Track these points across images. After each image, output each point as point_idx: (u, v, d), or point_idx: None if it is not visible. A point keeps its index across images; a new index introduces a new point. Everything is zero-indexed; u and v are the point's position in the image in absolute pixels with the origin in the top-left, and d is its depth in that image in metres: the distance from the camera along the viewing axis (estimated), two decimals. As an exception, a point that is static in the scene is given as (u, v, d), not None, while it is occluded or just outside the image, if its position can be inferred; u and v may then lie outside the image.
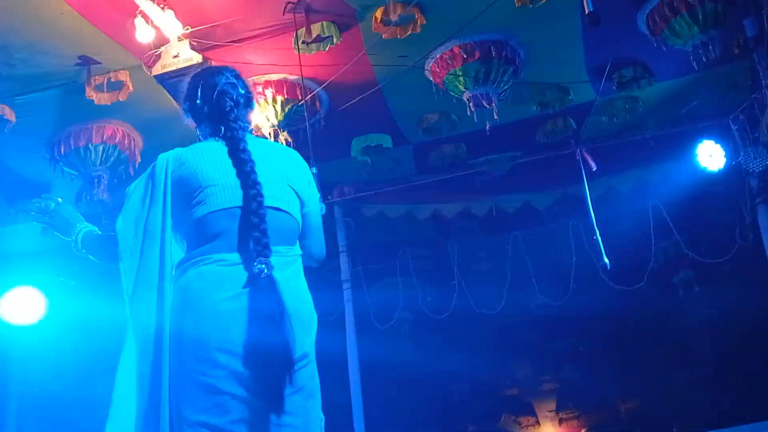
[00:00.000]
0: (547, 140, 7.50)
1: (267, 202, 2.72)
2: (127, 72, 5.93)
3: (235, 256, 2.65)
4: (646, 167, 7.99)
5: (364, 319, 8.94)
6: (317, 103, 6.67)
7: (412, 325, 9.93)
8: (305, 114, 6.48)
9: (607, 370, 12.00)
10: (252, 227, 2.65)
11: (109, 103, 6.03)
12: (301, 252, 2.86)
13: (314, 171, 6.05)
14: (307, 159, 6.21)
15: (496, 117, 6.47)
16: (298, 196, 2.87)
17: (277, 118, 6.42)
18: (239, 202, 2.71)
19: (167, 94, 6.04)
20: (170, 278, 2.72)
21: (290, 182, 2.86)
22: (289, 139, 6.53)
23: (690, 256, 8.71)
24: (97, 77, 5.89)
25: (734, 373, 11.79)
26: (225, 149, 2.82)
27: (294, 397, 2.62)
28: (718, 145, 7.49)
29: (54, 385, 9.11)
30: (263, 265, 2.58)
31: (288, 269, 2.73)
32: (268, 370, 2.53)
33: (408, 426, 13.73)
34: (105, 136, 6.51)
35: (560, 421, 15.43)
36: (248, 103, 3.02)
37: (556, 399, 14.75)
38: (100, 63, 5.83)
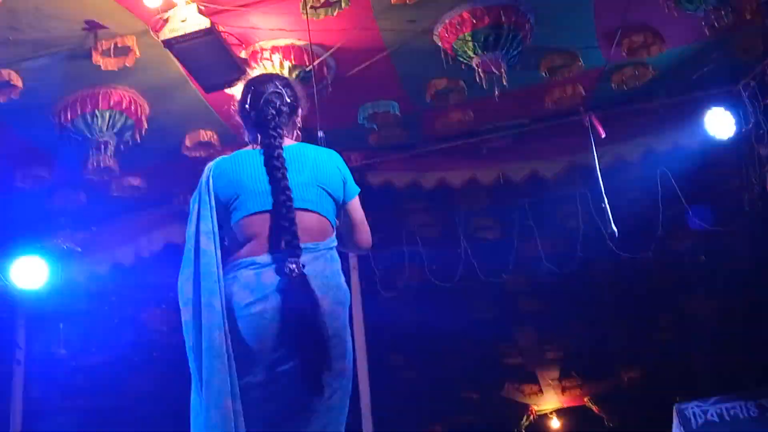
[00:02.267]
0: (555, 107, 7.44)
1: (297, 205, 3.01)
2: (134, 37, 5.87)
3: (267, 258, 2.94)
4: (655, 135, 7.92)
5: (370, 286, 8.95)
6: (324, 69, 6.61)
7: (418, 292, 9.94)
8: (312, 80, 6.44)
9: (611, 338, 12.05)
10: (283, 230, 2.93)
11: (116, 69, 5.98)
12: (333, 245, 3.14)
13: (322, 136, 6.07)
14: (314, 124, 6.22)
15: (504, 83, 6.42)
16: (332, 197, 3.16)
17: (283, 84, 6.37)
18: (269, 207, 3.01)
19: (174, 59, 5.99)
20: (220, 278, 2.98)
21: (322, 184, 3.14)
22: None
23: (697, 224, 8.70)
24: (103, 42, 5.83)
25: (739, 342, 11.81)
26: (262, 157, 3.12)
27: (342, 361, 2.97)
28: (728, 113, 7.45)
29: (60, 351, 9.17)
30: (294, 265, 2.86)
31: (317, 261, 3.00)
32: (306, 356, 2.81)
33: (412, 392, 13.81)
34: (112, 102, 6.46)
35: (563, 390, 15.56)
36: (294, 111, 3.32)
37: (560, 367, 14.85)
38: (106, 28, 5.78)
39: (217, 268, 2.97)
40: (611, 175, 7.75)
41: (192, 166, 7.45)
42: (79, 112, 6.48)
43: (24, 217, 8.03)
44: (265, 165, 3.09)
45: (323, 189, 3.14)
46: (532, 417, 16.28)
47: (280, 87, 3.28)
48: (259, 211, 3.03)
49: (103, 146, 6.67)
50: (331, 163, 3.25)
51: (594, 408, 15.69)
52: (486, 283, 9.55)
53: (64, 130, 6.62)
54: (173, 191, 8.04)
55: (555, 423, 16.55)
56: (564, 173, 8.34)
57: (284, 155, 3.11)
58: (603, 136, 7.36)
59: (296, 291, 2.85)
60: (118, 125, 6.60)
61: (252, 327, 2.89)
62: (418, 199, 8.92)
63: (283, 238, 2.93)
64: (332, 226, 3.18)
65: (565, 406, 16.17)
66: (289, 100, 3.28)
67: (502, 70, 6.32)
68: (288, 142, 3.23)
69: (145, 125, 6.75)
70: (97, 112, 6.50)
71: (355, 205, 3.32)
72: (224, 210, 3.10)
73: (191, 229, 3.09)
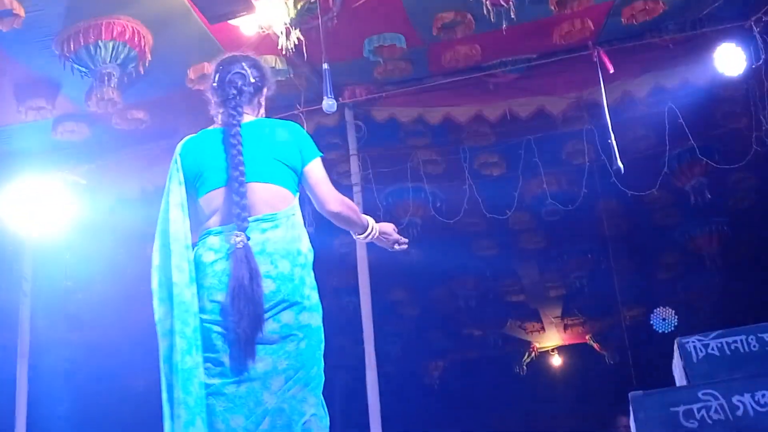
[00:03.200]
0: (564, 42, 7.34)
1: (253, 179, 3.29)
2: (137, -35, 5.80)
3: (228, 227, 3.26)
4: (664, 71, 7.83)
5: (374, 222, 8.92)
6: (330, 1, 6.51)
7: (422, 229, 9.93)
8: (318, 11, 6.36)
9: (614, 276, 12.06)
10: (233, 203, 3.23)
11: (119, -2, 5.93)
12: (293, 212, 3.39)
13: (326, 68, 6.01)
14: (319, 57, 6.14)
15: (513, 17, 6.33)
16: (288, 167, 3.40)
17: (289, 15, 6.29)
18: (224, 183, 3.32)
19: (178, -11, 5.92)
20: (189, 245, 3.34)
21: (277, 157, 3.38)
22: (302, 38, 6.42)
23: (704, 162, 8.65)
24: (106, -30, 5.77)
25: (742, 280, 11.85)
26: (221, 134, 3.40)
27: (283, 326, 3.24)
28: (739, 49, 7.35)
29: (66, 283, 9.21)
30: (239, 237, 3.17)
31: (277, 229, 3.30)
32: (240, 319, 3.12)
33: (414, 328, 13.94)
34: (115, 33, 6.39)
35: (565, 327, 15.66)
36: (258, 90, 3.55)
37: (562, 305, 14.92)
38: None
39: (185, 235, 3.32)
40: (619, 112, 7.70)
41: (196, 98, 7.43)
42: (82, 43, 6.41)
43: (27, 150, 8.01)
44: (223, 143, 3.37)
45: (279, 161, 3.38)
46: (533, 354, 16.43)
47: (245, 68, 3.51)
48: (219, 186, 3.33)
49: (106, 78, 6.62)
50: (287, 134, 3.47)
51: (595, 345, 15.82)
52: (490, 219, 9.55)
53: (66, 61, 6.56)
54: (177, 124, 7.99)
55: (556, 360, 16.71)
56: (571, 109, 8.29)
57: (242, 132, 3.36)
58: (611, 71, 7.27)
59: (244, 258, 3.15)
60: (122, 56, 6.54)
61: (215, 282, 3.24)
62: (423, 134, 8.86)
63: (234, 211, 3.23)
64: (292, 195, 3.41)
65: (567, 343, 16.30)
66: (253, 80, 3.51)
67: (511, 3, 6.22)
68: (248, 119, 3.47)
69: (149, 57, 6.68)
70: (100, 43, 6.43)
71: (312, 169, 3.48)
72: (192, 186, 3.40)
73: (163, 203, 3.39)
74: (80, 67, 6.60)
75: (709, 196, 9.42)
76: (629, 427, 4.54)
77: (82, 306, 10.51)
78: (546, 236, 11.42)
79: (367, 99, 8.09)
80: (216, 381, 3.19)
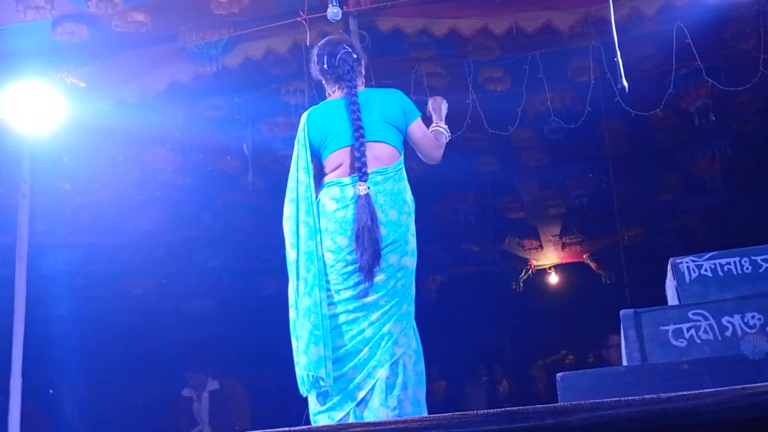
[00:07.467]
0: (573, -46, 7.19)
1: (368, 138, 4.04)
2: None
3: (348, 179, 4.03)
4: (674, -13, 7.68)
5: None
6: None
7: (423, 142, 9.86)
8: None
9: (614, 196, 12.05)
10: (356, 159, 4.00)
11: None
12: (400, 167, 4.13)
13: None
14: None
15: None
16: (395, 128, 4.16)
17: None
18: (349, 143, 4.08)
19: None
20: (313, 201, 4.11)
21: (387, 119, 4.15)
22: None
23: (710, 83, 8.54)
24: None
25: (743, 204, 11.84)
26: (341, 103, 4.17)
27: (388, 267, 3.98)
28: (754, -34, 7.20)
29: (65, 186, 9.20)
30: (361, 187, 3.93)
31: (386, 182, 4.03)
32: (363, 252, 3.88)
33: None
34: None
35: (563, 246, 15.70)
36: (360, 64, 4.33)
37: (561, 224, 14.93)
38: None
39: (310, 193, 4.07)
40: (626, 29, 7.57)
41: (197, 3, 7.32)
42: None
43: (26, 50, 7.90)
44: (345, 110, 4.13)
45: (388, 123, 4.14)
46: (531, 271, 16.51)
47: (347, 47, 4.32)
48: (343, 146, 4.08)
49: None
50: (393, 99, 4.24)
51: (592, 265, 15.89)
52: (492, 135, 9.49)
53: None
54: (178, 28, 7.88)
55: (553, 278, 16.81)
56: (578, 25, 8.15)
57: (358, 101, 4.12)
58: (620, -14, 7.13)
59: (366, 204, 3.88)
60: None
61: (337, 227, 3.98)
62: (428, 46, 8.74)
63: (356, 165, 3.98)
64: (399, 152, 4.17)
65: (564, 262, 16.38)
66: (355, 56, 4.31)
67: None
68: (359, 89, 4.26)
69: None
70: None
71: (416, 127, 4.26)
72: (318, 148, 4.17)
73: (293, 165, 4.17)
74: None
75: (714, 118, 9.33)
76: (620, 345, 4.58)
77: (80, 210, 10.53)
78: (547, 154, 11.35)
79: (372, 8, 7.94)
80: (335, 308, 3.95)
